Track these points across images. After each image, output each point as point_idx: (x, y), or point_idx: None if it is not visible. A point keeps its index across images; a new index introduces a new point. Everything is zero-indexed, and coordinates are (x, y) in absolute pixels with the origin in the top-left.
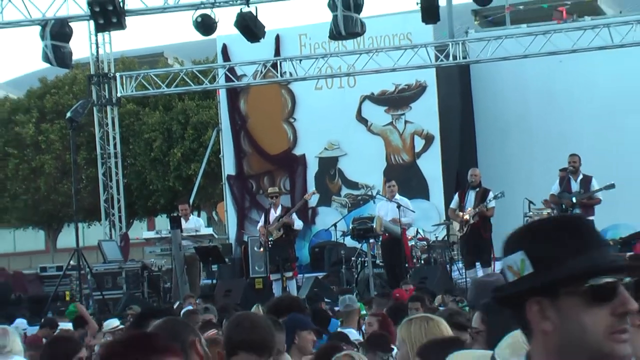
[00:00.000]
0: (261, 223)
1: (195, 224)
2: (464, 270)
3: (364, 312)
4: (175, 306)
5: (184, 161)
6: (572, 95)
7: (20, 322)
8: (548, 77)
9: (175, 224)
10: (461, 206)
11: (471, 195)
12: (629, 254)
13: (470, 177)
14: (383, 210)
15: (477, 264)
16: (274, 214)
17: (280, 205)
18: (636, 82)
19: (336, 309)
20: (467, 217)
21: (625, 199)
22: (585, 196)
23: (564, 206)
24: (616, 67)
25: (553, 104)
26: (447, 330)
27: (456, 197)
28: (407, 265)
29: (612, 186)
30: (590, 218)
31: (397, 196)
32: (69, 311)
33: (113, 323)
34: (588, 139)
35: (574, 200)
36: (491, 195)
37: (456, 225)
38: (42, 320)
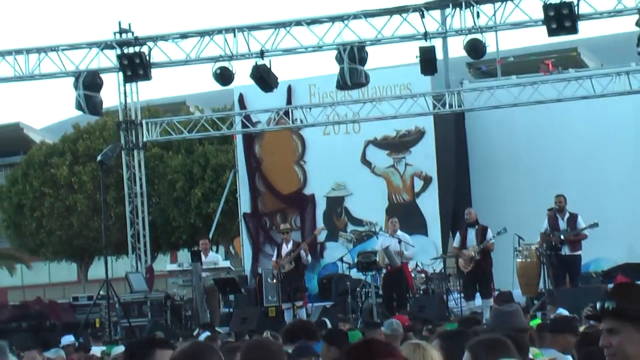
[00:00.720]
0: (274, 257)
1: (214, 258)
2: (460, 300)
3: None
4: (195, 333)
5: (204, 200)
6: (558, 140)
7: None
8: (535, 123)
9: (196, 257)
10: (463, 244)
11: (471, 233)
12: (609, 285)
13: (466, 216)
14: (385, 244)
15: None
16: (285, 248)
17: (291, 240)
18: (615, 127)
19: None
20: (472, 254)
21: (606, 234)
22: (572, 234)
23: (553, 243)
24: (597, 114)
25: (540, 147)
26: (437, 356)
27: (458, 235)
28: (409, 294)
29: (595, 225)
30: (578, 253)
31: (399, 232)
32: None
33: (118, 350)
34: (572, 179)
35: (562, 237)
36: (490, 233)
37: (461, 262)
38: (76, 344)
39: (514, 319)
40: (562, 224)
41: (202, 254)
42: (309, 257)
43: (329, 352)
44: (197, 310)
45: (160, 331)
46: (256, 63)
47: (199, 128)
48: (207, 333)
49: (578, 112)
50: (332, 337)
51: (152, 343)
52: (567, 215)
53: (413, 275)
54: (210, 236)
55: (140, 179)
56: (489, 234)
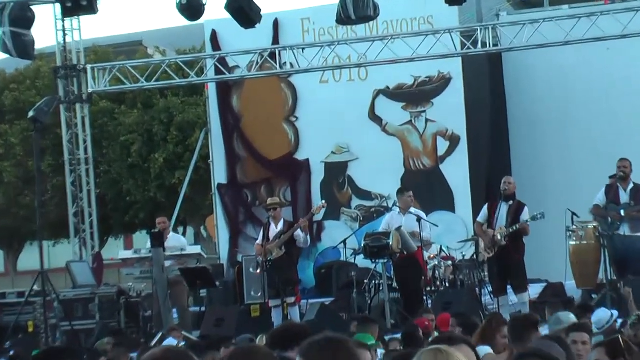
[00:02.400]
0: (259, 240)
1: (178, 241)
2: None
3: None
4: (157, 338)
5: (167, 168)
6: (623, 90)
7: None
8: (594, 68)
9: (157, 241)
10: (490, 221)
11: (503, 209)
12: None
13: (504, 186)
14: (394, 224)
15: (509, 288)
16: (274, 229)
17: (282, 219)
18: None
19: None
20: (497, 236)
21: None
22: (636, 209)
23: (610, 220)
24: None
25: (600, 101)
26: None
27: (485, 209)
28: (427, 288)
29: None
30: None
31: (412, 209)
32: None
33: None
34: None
35: (622, 213)
36: (526, 213)
37: (483, 245)
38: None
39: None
40: (624, 196)
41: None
42: (308, 238)
43: None
44: (159, 309)
45: (110, 336)
46: None
47: (160, 75)
48: (172, 340)
49: None
50: None
51: (60, 354)
52: (632, 185)
53: (436, 262)
54: (175, 215)
55: (85, 142)
56: (525, 214)
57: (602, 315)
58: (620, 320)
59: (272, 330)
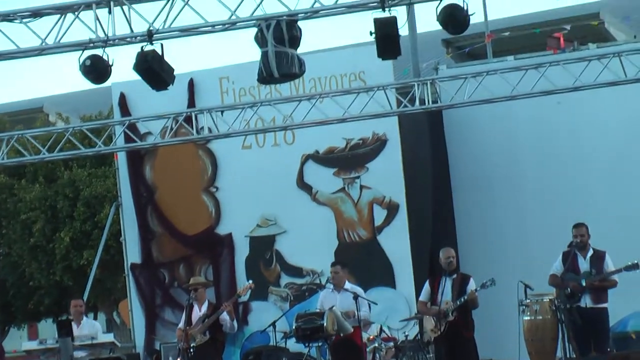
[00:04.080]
0: (180, 324)
1: (91, 328)
2: None
3: None
4: None
5: (74, 248)
6: (576, 145)
7: None
8: (543, 123)
9: (65, 330)
10: (434, 298)
11: (447, 284)
12: None
13: (445, 261)
14: (327, 303)
15: None
16: (197, 312)
17: (206, 301)
18: None
19: None
20: (444, 310)
21: None
22: (598, 278)
23: (569, 290)
24: (633, 106)
25: (551, 158)
26: None
27: (427, 286)
28: None
29: (636, 266)
30: (603, 305)
31: (347, 285)
32: None
33: None
34: (598, 201)
35: (583, 283)
36: (472, 283)
37: (429, 324)
38: None
39: None
40: (584, 264)
41: (73, 324)
42: (235, 323)
43: None
44: None
45: None
46: (142, 49)
47: (64, 145)
48: None
49: (604, 105)
50: None
51: None
52: (591, 252)
53: (377, 344)
54: (85, 299)
55: None
56: (472, 286)
57: None
58: None
59: None
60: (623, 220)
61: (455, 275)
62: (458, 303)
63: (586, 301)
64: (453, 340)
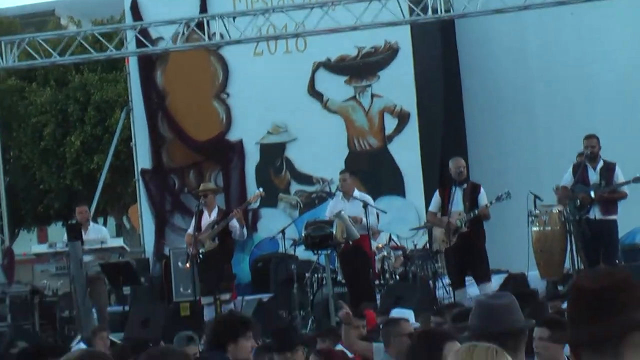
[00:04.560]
0: (190, 229)
1: (99, 233)
2: (451, 287)
3: None
4: (75, 342)
5: (85, 152)
6: (588, 59)
7: None
8: (556, 35)
9: (75, 234)
10: (444, 208)
11: (458, 194)
12: None
13: (456, 171)
14: (337, 211)
15: (467, 279)
16: (207, 218)
17: (216, 207)
18: None
19: None
20: (457, 223)
21: None
22: (607, 190)
23: (579, 202)
24: None
25: (563, 70)
26: None
27: (437, 196)
28: (376, 281)
29: None
30: (612, 217)
31: (356, 193)
32: None
33: None
34: (609, 115)
35: (592, 194)
36: (484, 195)
37: (439, 234)
38: None
39: (504, 318)
40: (594, 176)
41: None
42: (245, 231)
43: None
44: (78, 309)
45: (23, 340)
46: None
47: (75, 49)
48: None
49: (617, 17)
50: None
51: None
52: (601, 164)
53: (385, 252)
54: (95, 204)
55: None
56: (483, 196)
57: None
58: None
59: (208, 326)
60: (632, 133)
61: (465, 185)
62: (471, 215)
63: (595, 213)
64: (464, 251)
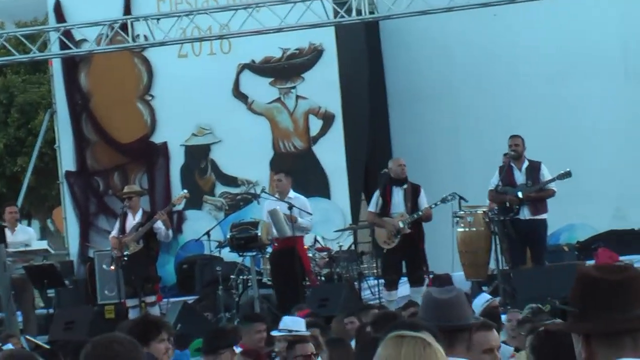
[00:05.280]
0: (114, 232)
1: (25, 234)
2: (377, 289)
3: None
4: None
5: (8, 154)
6: (513, 60)
7: None
8: (480, 36)
9: None
10: (386, 209)
11: (399, 195)
12: (588, 262)
13: (398, 170)
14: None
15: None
16: (131, 220)
17: (140, 209)
18: (596, 42)
19: None
20: (400, 224)
21: (583, 191)
22: (535, 189)
23: (507, 204)
24: (570, 23)
25: (487, 71)
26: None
27: (377, 196)
28: (307, 282)
29: (568, 174)
30: (542, 217)
31: (291, 193)
32: None
33: None
34: (533, 114)
35: (520, 195)
36: (423, 196)
37: (382, 235)
38: None
39: (453, 311)
40: (520, 177)
41: (7, 229)
42: (170, 232)
43: None
44: (3, 313)
45: None
46: None
47: None
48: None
49: (541, 19)
50: None
51: None
52: (526, 163)
53: (311, 254)
54: (18, 206)
55: None
56: (423, 197)
57: (480, 299)
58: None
59: (124, 325)
60: (556, 133)
61: (405, 186)
62: (415, 217)
63: (525, 213)
64: (407, 251)
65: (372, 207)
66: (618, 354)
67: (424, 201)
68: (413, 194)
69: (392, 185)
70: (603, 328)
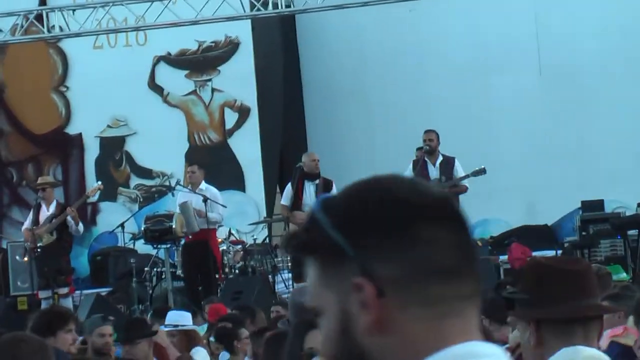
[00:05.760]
0: (27, 224)
1: None
2: (291, 282)
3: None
4: None
5: None
6: (425, 54)
7: None
8: (394, 31)
9: None
10: (298, 203)
11: (311, 189)
12: (501, 257)
13: (311, 164)
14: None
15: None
16: (45, 212)
17: (54, 201)
18: (509, 34)
19: None
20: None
21: (496, 186)
22: (448, 184)
23: None
24: (485, 14)
25: (401, 66)
26: None
27: (289, 189)
28: (217, 276)
29: (482, 171)
30: None
31: (203, 185)
32: None
33: None
34: (446, 109)
35: None
36: (334, 192)
37: (293, 230)
38: None
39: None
40: (434, 172)
41: None
42: (81, 227)
43: None
44: None
45: None
46: None
47: None
48: None
49: (456, 12)
50: None
51: None
52: (440, 158)
53: (225, 247)
54: None
55: None
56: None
57: None
58: None
59: (33, 317)
60: (469, 127)
61: (317, 180)
62: None
63: None
64: None
65: (284, 200)
66: (568, 342)
67: None
68: (325, 188)
69: (305, 179)
70: (556, 315)
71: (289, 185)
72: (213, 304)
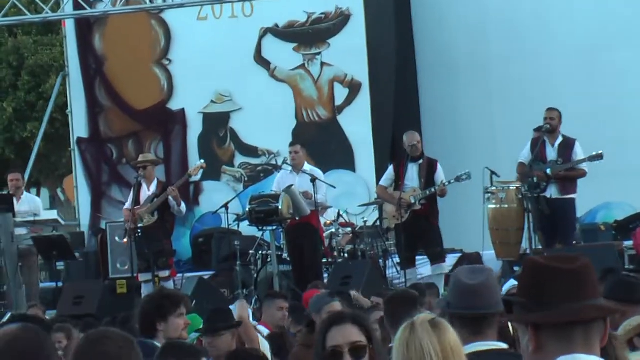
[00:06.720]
0: (128, 204)
1: (32, 204)
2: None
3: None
4: (6, 319)
5: (17, 119)
6: (546, 29)
7: None
8: (514, 5)
9: (5, 205)
10: (398, 184)
11: (413, 170)
12: (626, 242)
13: (410, 146)
14: (284, 185)
15: (420, 259)
16: (145, 191)
17: (155, 179)
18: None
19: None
20: (411, 200)
21: (620, 167)
22: (564, 167)
23: (535, 179)
24: None
25: (521, 41)
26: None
27: (391, 170)
28: (325, 259)
29: (599, 157)
30: (570, 196)
31: (306, 165)
32: None
33: None
34: (569, 87)
35: (548, 171)
36: (440, 171)
37: (390, 209)
38: None
39: (481, 298)
40: (552, 152)
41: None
42: (183, 207)
43: None
44: (8, 286)
45: None
46: None
47: (9, 10)
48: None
49: None
50: None
51: None
52: (560, 139)
53: (334, 229)
54: (27, 174)
55: None
56: (440, 173)
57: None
58: None
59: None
60: (592, 108)
61: (421, 161)
62: (428, 193)
63: (552, 191)
64: (417, 228)
65: (383, 180)
66: (568, 348)
67: (440, 177)
68: (428, 169)
69: (407, 159)
70: (554, 318)
71: (391, 165)
72: (314, 289)
